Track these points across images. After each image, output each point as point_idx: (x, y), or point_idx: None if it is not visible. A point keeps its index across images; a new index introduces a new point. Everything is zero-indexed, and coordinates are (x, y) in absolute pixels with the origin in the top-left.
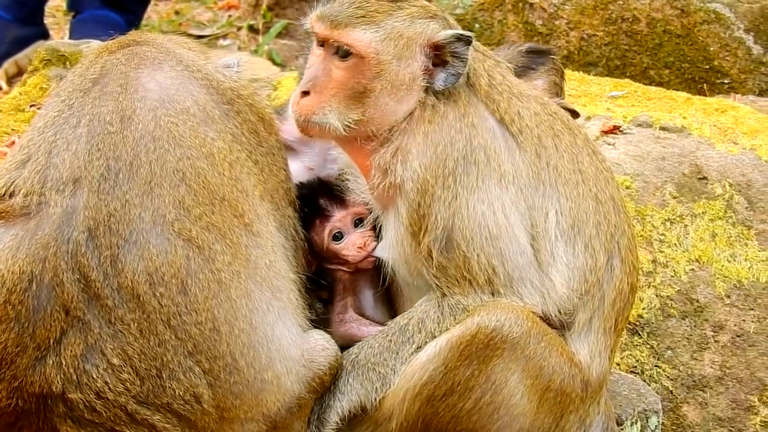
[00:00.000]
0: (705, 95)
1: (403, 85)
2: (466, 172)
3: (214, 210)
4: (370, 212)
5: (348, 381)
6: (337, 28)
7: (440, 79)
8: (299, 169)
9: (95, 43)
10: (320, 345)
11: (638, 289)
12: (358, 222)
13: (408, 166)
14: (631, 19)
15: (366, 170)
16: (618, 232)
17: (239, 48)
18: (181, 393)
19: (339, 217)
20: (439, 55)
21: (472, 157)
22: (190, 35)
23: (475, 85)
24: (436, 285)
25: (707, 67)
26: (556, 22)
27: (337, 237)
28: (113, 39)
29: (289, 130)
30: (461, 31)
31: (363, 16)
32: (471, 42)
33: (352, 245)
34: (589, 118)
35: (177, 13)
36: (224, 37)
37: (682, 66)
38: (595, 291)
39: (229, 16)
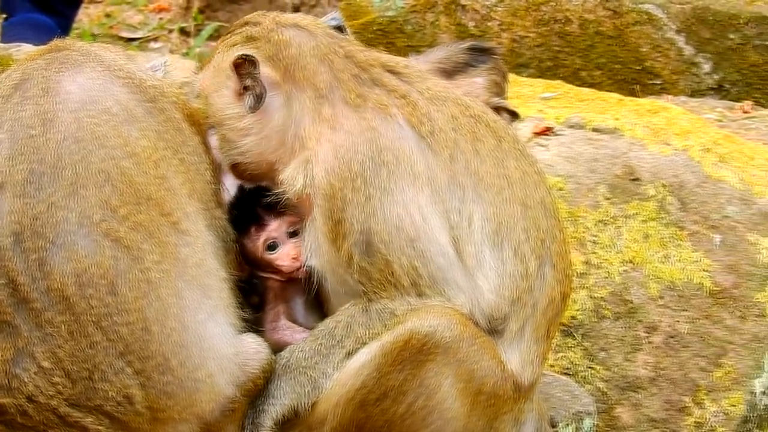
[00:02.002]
0: (637, 96)
1: (220, 113)
2: (375, 174)
3: (141, 209)
4: (303, 220)
5: (279, 385)
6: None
7: (249, 101)
8: (234, 184)
9: (26, 47)
10: (253, 348)
11: (571, 294)
12: (293, 232)
13: (312, 174)
14: (563, 21)
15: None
16: (549, 237)
17: (170, 51)
18: (113, 394)
19: (274, 227)
20: (242, 78)
21: (380, 158)
22: (120, 38)
23: (373, 93)
24: (363, 291)
25: (639, 68)
26: (489, 24)
27: (272, 247)
28: (44, 43)
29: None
30: (243, 52)
31: (209, 59)
32: (254, 61)
33: (286, 256)
34: (521, 120)
35: (108, 15)
36: (155, 39)
37: (614, 67)
38: (527, 298)
39: (160, 18)
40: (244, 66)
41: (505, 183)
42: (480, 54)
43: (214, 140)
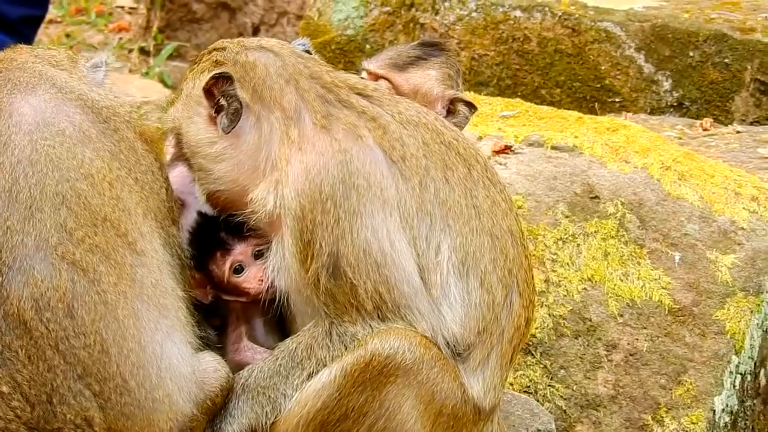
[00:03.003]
0: (596, 114)
1: (194, 141)
2: (345, 196)
3: (97, 231)
4: (269, 244)
5: (238, 404)
6: (168, 108)
7: (223, 122)
8: (191, 221)
9: None
10: (212, 366)
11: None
12: (259, 254)
13: (283, 195)
14: (522, 39)
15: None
16: (516, 266)
17: (130, 71)
18: (72, 417)
19: (240, 250)
20: (216, 100)
21: (351, 181)
22: None
23: (341, 114)
24: (325, 313)
25: (598, 86)
26: (447, 43)
27: (238, 270)
28: None
29: (177, 181)
30: (218, 71)
31: (179, 91)
32: (231, 78)
33: (253, 278)
34: (480, 138)
35: (67, 35)
36: (115, 59)
37: (574, 85)
38: (494, 328)
39: (120, 38)
40: (217, 86)
41: (473, 213)
42: (431, 48)
43: (181, 173)
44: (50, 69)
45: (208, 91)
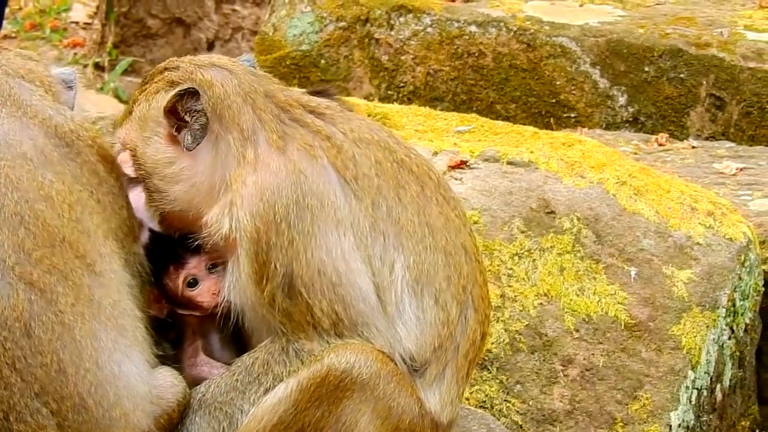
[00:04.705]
0: (552, 129)
1: (150, 162)
2: (299, 218)
3: (55, 252)
4: (223, 258)
5: (195, 420)
6: (115, 129)
7: (187, 139)
8: (146, 237)
9: None
10: (168, 382)
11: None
12: (213, 267)
13: (237, 217)
14: (477, 54)
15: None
16: (470, 282)
17: (85, 86)
18: None
19: (194, 264)
20: (178, 117)
21: (304, 202)
22: None
23: (297, 134)
24: (282, 330)
25: (554, 101)
26: (402, 58)
27: (192, 284)
28: None
29: (133, 202)
30: (183, 87)
31: (128, 112)
32: (196, 93)
33: (207, 291)
34: (435, 154)
35: None
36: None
37: (529, 100)
38: (449, 344)
39: (75, 54)
40: (181, 103)
41: (427, 231)
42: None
43: (136, 195)
44: (22, 88)
45: (172, 109)
